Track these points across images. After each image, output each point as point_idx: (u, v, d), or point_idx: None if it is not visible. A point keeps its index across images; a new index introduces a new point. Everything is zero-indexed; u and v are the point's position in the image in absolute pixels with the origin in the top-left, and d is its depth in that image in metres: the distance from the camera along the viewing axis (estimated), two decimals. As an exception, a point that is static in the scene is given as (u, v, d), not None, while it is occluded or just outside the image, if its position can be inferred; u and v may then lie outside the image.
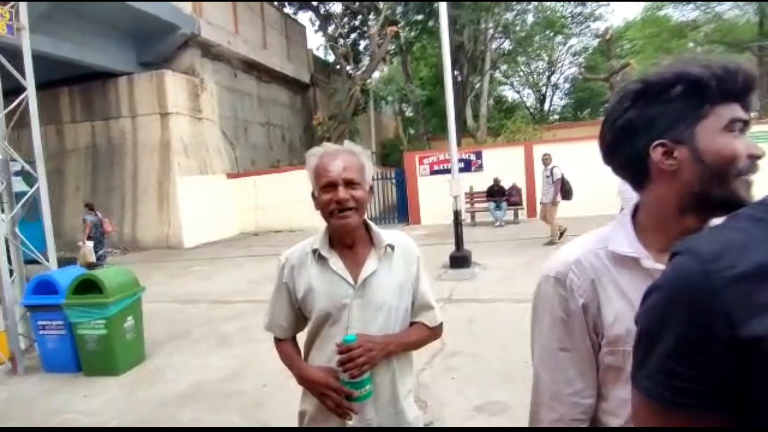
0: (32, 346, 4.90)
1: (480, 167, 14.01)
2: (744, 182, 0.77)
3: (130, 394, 3.91)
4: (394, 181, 15.33)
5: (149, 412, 3.55)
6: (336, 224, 1.31)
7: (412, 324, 1.42)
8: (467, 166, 13.58)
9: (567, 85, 32.10)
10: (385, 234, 1.40)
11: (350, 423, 1.30)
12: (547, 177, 9.12)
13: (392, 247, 1.38)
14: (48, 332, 4.45)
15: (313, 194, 1.39)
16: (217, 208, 15.19)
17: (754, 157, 0.77)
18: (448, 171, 11.92)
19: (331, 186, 1.29)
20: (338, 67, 20.34)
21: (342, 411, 1.26)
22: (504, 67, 28.90)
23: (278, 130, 19.88)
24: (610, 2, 26.15)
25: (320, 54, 23.84)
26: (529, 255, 8.26)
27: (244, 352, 4.66)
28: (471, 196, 13.52)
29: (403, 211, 15.07)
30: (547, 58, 30.15)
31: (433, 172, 14.34)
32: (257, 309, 6.21)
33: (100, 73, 13.77)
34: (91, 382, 4.19)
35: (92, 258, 8.31)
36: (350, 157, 1.33)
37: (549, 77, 31.49)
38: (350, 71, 19.45)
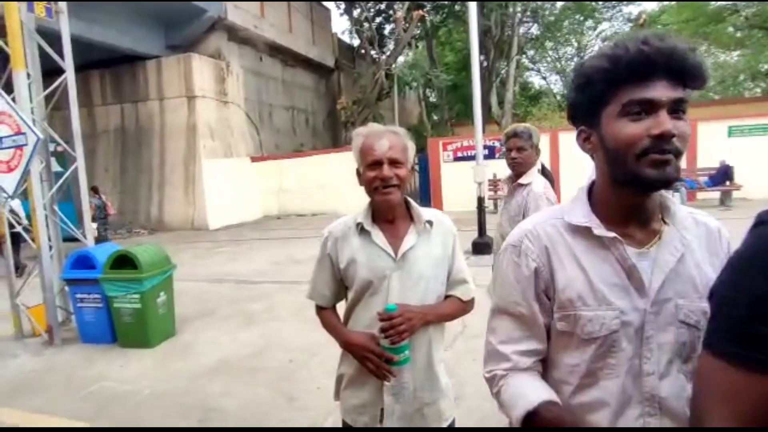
0: (68, 319, 5.15)
1: (504, 154, 13.87)
2: (651, 161, 0.79)
3: (163, 366, 4.08)
4: (416, 166, 15.30)
5: (181, 383, 3.71)
6: (379, 200, 1.40)
7: (446, 297, 1.50)
8: (491, 153, 13.46)
9: (596, 72, 31.24)
10: (424, 211, 1.48)
11: (387, 384, 1.39)
12: None
13: (431, 223, 1.46)
14: (85, 305, 4.66)
15: (358, 171, 1.47)
16: (241, 191, 15.45)
17: (658, 136, 0.78)
18: (471, 158, 11.88)
19: (377, 164, 1.37)
20: (363, 51, 20.26)
21: (381, 373, 1.36)
22: (531, 52, 28.29)
23: (302, 114, 19.99)
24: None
25: (345, 38, 23.78)
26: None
27: (270, 330, 4.81)
28: (494, 183, 13.44)
29: (425, 196, 15.08)
30: (576, 44, 29.34)
31: (457, 159, 14.29)
32: (281, 289, 6.37)
33: (129, 56, 14.06)
34: (126, 353, 4.40)
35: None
36: (395, 138, 1.41)
37: (577, 63, 30.73)
38: (375, 56, 19.36)
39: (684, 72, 0.79)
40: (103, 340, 4.62)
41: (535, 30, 24.47)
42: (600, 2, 24.54)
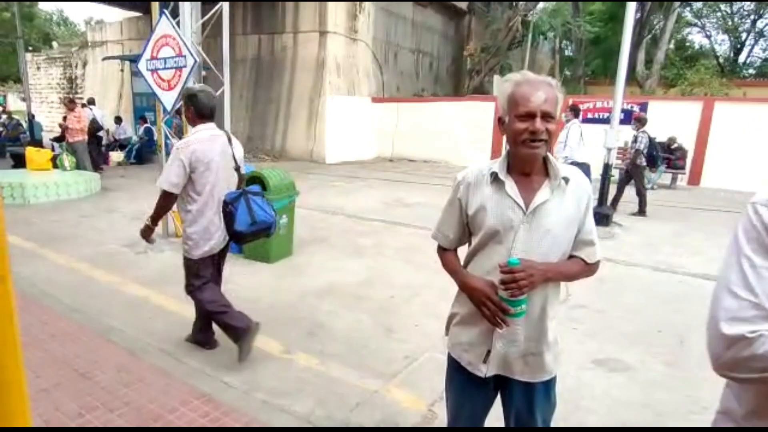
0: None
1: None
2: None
3: (280, 280, 4.55)
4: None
5: (293, 297, 4.12)
6: (526, 153, 1.38)
7: (570, 257, 1.48)
8: (626, 118, 12.22)
9: (776, 34, 26.16)
10: (562, 167, 1.44)
11: (499, 331, 1.44)
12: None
13: (566, 180, 1.42)
14: (221, 216, 5.26)
15: (500, 119, 1.45)
16: (359, 130, 15.88)
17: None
18: (603, 120, 10.90)
19: (529, 116, 1.34)
20: (500, -7, 19.04)
21: (495, 321, 1.40)
22: (698, 4, 24.40)
23: (427, 58, 19.61)
24: None
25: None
26: (678, 225, 7.44)
27: (376, 264, 5.08)
28: (624, 151, 12.28)
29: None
30: (757, -3, 24.68)
31: (586, 120, 13.17)
32: (388, 229, 6.62)
33: (271, -12, 14.65)
34: (250, 264, 4.96)
35: None
36: (550, 89, 1.36)
37: (754, 22, 25.84)
38: None
39: None
40: (233, 250, 5.21)
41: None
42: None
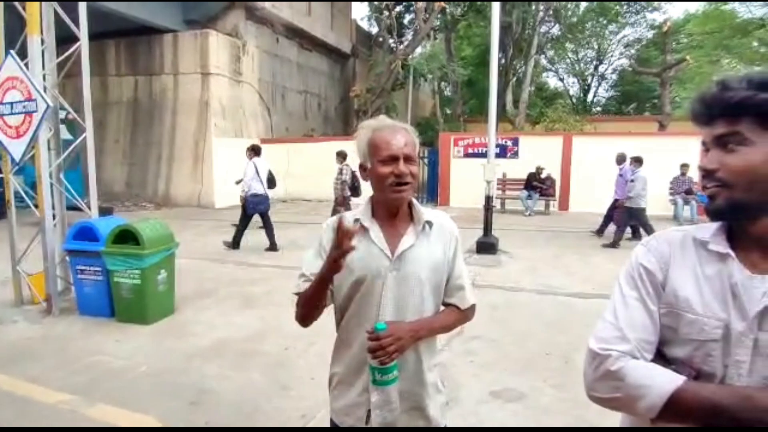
0: (68, 289, 5.14)
1: (515, 154, 13.76)
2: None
3: (159, 344, 4.07)
4: (426, 160, 15.17)
5: (176, 362, 3.70)
6: (392, 197, 1.35)
7: (445, 305, 1.45)
8: (503, 152, 13.33)
9: (614, 77, 30.69)
10: (426, 211, 1.42)
11: (374, 390, 1.33)
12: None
13: (430, 224, 1.41)
14: (85, 277, 4.65)
15: (362, 165, 1.41)
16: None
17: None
18: (482, 155, 11.75)
19: (393, 159, 1.32)
20: (381, 39, 20.07)
21: (346, 246, 1.20)
22: (550, 53, 27.93)
23: (315, 98, 19.86)
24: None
25: (364, 25, 23.55)
26: (557, 247, 8.14)
27: (268, 314, 4.78)
28: (503, 182, 13.33)
29: (432, 191, 14.98)
30: (596, 47, 28.93)
31: (467, 155, 14.15)
32: (282, 274, 6.35)
33: (146, 28, 13.95)
34: (123, 328, 4.39)
35: None
36: (408, 134, 1.37)
37: (596, 67, 30.21)
38: (393, 45, 19.17)
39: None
40: (101, 313, 4.61)
41: (556, 30, 24.12)
42: (624, 5, 24.16)
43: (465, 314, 1.46)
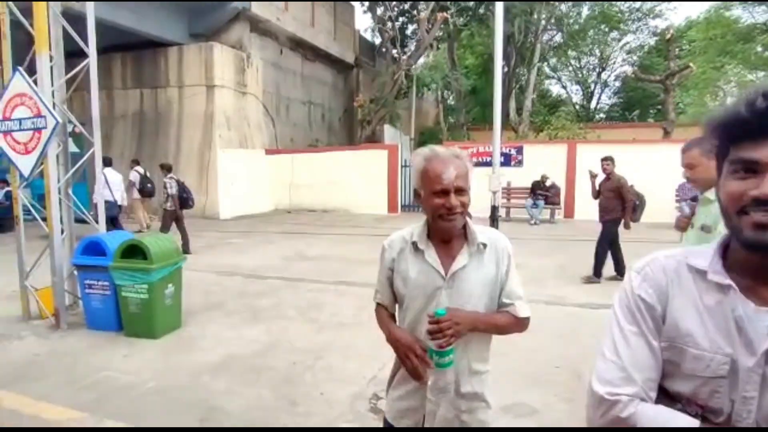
0: (75, 304, 5.15)
1: (520, 162, 13.76)
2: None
3: (167, 359, 4.06)
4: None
5: (184, 377, 3.68)
6: (443, 226, 1.44)
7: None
8: (507, 161, 13.34)
9: (617, 84, 30.69)
10: (480, 231, 1.50)
11: (430, 385, 1.46)
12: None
13: (484, 245, 1.49)
14: (93, 291, 4.65)
15: (416, 191, 1.50)
16: (254, 183, 15.46)
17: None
18: (487, 163, 11.76)
19: (444, 193, 1.40)
20: (384, 50, 20.19)
21: (417, 374, 1.41)
22: (553, 60, 28.03)
23: (319, 109, 19.96)
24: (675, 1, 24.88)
25: (367, 36, 23.71)
26: (564, 256, 8.09)
27: (276, 328, 4.77)
28: (508, 191, 13.32)
29: (436, 200, 14.96)
30: (599, 54, 29.02)
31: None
32: (289, 286, 6.34)
33: (151, 42, 14.09)
34: (131, 342, 4.38)
35: None
36: (460, 164, 1.43)
37: (599, 74, 30.25)
38: (396, 55, 19.27)
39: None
40: (109, 327, 4.61)
41: (558, 38, 24.22)
42: (626, 12, 24.23)
43: (520, 322, 1.52)
